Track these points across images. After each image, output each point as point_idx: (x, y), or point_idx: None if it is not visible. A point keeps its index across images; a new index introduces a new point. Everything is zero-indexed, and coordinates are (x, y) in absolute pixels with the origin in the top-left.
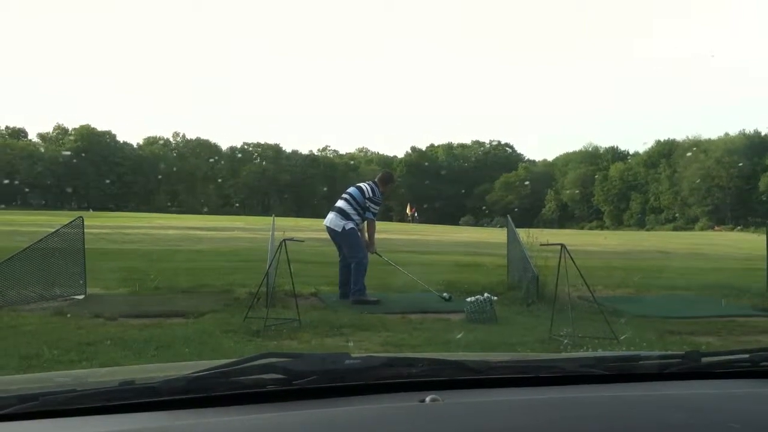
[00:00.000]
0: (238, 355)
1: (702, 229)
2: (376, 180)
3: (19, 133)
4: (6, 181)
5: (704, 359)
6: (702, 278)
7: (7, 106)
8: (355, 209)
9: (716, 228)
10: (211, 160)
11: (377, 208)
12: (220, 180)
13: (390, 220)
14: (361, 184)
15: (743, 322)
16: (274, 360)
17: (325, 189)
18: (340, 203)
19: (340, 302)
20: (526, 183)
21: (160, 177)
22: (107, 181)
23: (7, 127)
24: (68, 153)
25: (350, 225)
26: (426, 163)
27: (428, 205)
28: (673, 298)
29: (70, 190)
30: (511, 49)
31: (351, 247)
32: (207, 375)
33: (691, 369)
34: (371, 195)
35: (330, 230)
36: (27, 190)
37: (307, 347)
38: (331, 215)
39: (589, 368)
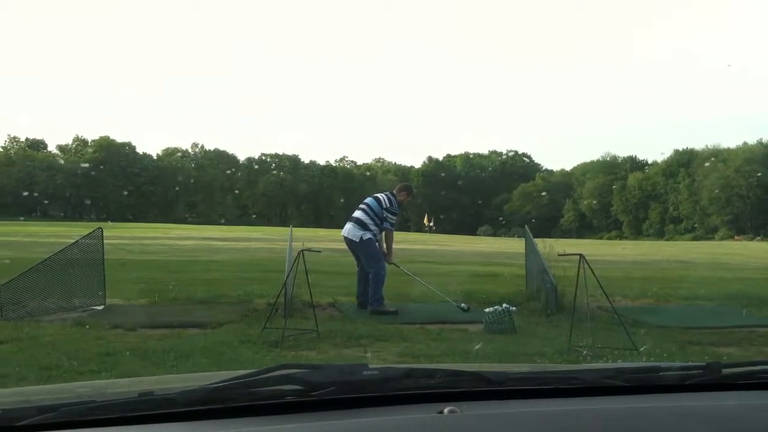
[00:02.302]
0: (256, 365)
1: (722, 238)
2: (394, 191)
3: (38, 145)
4: (26, 193)
5: (725, 370)
6: (722, 288)
7: (26, 117)
8: (372, 219)
9: (736, 237)
10: (229, 171)
11: (395, 218)
12: (237, 191)
13: (408, 230)
14: (379, 195)
15: (764, 332)
16: (292, 371)
17: (342, 199)
18: (357, 213)
19: (358, 312)
20: (544, 193)
21: (178, 188)
22: (126, 192)
23: (27, 139)
24: (87, 165)
25: (368, 235)
26: (443, 174)
27: (445, 215)
28: (693, 309)
29: (89, 201)
30: (527, 55)
31: (369, 258)
32: (225, 386)
33: (712, 380)
34: (389, 205)
35: (348, 241)
36: (46, 201)
37: (326, 358)
38: (348, 225)
39: (609, 379)
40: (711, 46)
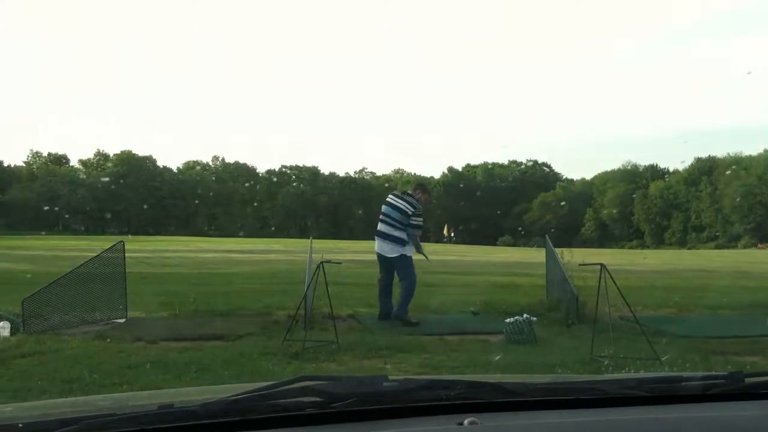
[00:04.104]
0: (276, 377)
1: (745, 247)
2: (410, 192)
3: (60, 160)
4: (46, 207)
5: (748, 380)
6: (746, 297)
7: (49, 133)
8: (398, 228)
9: (759, 246)
10: (249, 183)
11: (421, 219)
12: (257, 203)
13: (428, 240)
14: (395, 202)
15: None
16: (312, 383)
17: (361, 211)
18: (383, 228)
19: (377, 324)
20: (564, 203)
21: (198, 201)
22: (146, 206)
23: (49, 154)
24: (107, 179)
25: (402, 250)
26: (463, 184)
27: (465, 225)
28: (716, 318)
29: (110, 214)
30: (547, 64)
31: (400, 269)
32: (245, 398)
33: (735, 390)
34: (413, 210)
35: (381, 257)
36: (68, 215)
37: (346, 369)
38: (378, 242)
39: (630, 390)
40: (732, 52)
